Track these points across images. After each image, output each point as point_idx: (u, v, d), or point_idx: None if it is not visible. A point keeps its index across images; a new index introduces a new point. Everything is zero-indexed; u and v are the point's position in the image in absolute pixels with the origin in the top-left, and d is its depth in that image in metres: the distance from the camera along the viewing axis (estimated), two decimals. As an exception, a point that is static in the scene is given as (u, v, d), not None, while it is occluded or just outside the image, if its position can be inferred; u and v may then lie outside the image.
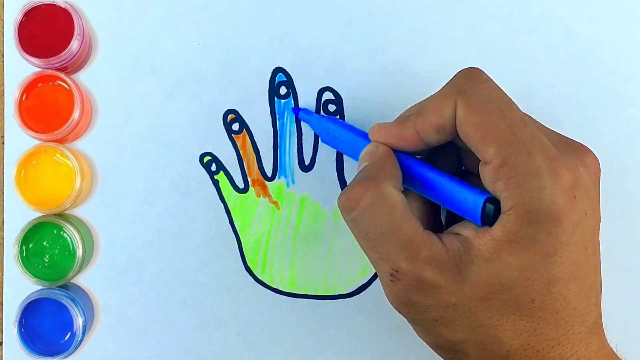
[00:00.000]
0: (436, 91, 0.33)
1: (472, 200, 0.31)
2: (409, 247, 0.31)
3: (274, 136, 0.43)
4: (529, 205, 0.29)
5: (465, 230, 0.31)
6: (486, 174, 0.31)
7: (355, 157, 0.37)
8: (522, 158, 0.30)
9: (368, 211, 0.32)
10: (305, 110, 0.42)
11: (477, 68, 0.33)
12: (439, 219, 0.36)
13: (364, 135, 0.37)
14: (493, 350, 0.31)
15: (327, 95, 0.43)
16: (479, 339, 0.31)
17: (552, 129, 0.43)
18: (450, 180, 0.33)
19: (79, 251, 0.40)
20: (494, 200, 0.31)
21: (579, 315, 0.31)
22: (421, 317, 0.32)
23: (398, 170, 0.34)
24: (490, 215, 0.31)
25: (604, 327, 0.33)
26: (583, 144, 0.33)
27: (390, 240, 0.31)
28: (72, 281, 0.42)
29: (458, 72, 0.33)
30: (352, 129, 0.38)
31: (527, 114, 0.33)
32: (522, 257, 0.30)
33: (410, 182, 0.34)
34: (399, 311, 0.33)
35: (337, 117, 0.43)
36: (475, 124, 0.31)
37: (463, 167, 0.36)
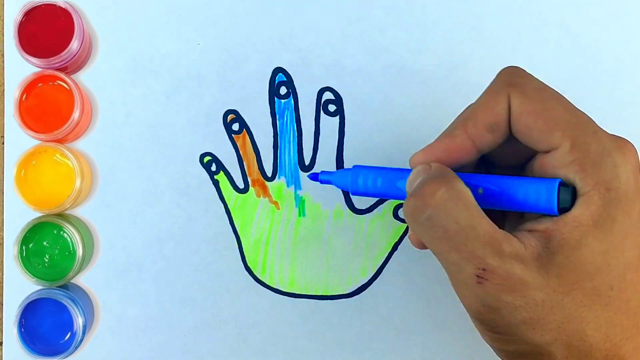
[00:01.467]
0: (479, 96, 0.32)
1: (544, 189, 0.30)
2: (493, 242, 0.29)
3: (274, 136, 0.43)
4: (608, 183, 0.28)
5: (540, 224, 0.30)
6: (555, 160, 0.30)
7: (398, 196, 0.34)
8: (591, 137, 0.29)
9: (446, 205, 0.30)
10: (322, 172, 0.38)
11: (517, 66, 0.32)
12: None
13: (402, 170, 0.34)
14: (578, 347, 0.30)
15: (327, 95, 0.43)
16: (566, 337, 0.30)
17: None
18: (512, 178, 0.31)
19: (79, 251, 0.40)
20: (565, 185, 0.30)
21: None
22: (508, 322, 0.30)
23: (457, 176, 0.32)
24: (568, 199, 0.29)
25: None
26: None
27: (472, 237, 0.29)
28: (72, 281, 0.42)
29: (500, 71, 0.32)
30: (384, 169, 0.35)
31: None
32: (605, 240, 0.29)
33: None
34: (481, 320, 0.31)
35: (337, 117, 0.43)
36: (535, 112, 0.30)
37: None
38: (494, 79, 0.32)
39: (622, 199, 0.29)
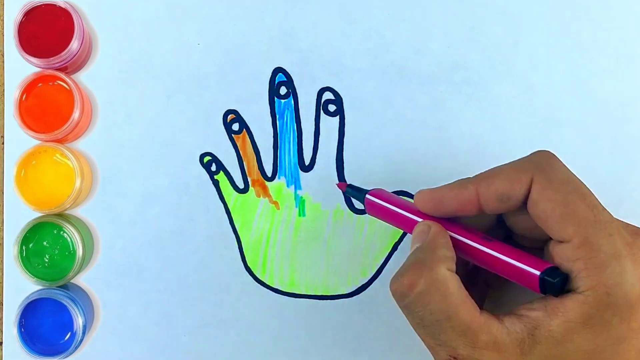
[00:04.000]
0: (505, 163, 0.33)
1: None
2: (467, 332, 0.31)
3: (274, 136, 0.43)
4: (609, 288, 0.29)
5: (533, 312, 0.31)
6: (563, 253, 0.30)
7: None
8: (604, 240, 0.29)
9: (422, 298, 0.31)
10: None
11: (551, 152, 0.33)
12: (496, 299, 0.36)
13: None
14: None
15: (327, 95, 0.43)
16: None
17: (552, 129, 0.43)
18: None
19: (79, 251, 0.40)
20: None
21: None
22: None
23: (451, 251, 0.33)
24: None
25: None
26: None
27: (447, 327, 0.31)
28: (72, 281, 0.42)
29: (534, 152, 0.33)
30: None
31: None
32: (593, 341, 0.29)
33: (461, 253, 0.33)
34: None
35: (337, 117, 0.43)
36: (554, 202, 0.30)
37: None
38: (524, 157, 0.33)
39: (620, 306, 0.29)
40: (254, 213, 0.43)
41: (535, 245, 0.34)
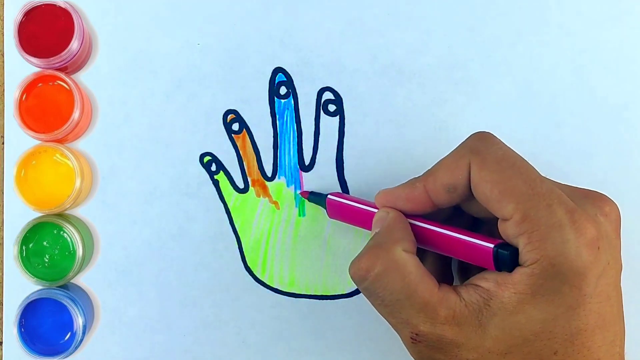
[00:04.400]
0: (446, 155, 0.34)
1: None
2: (426, 309, 0.31)
3: (274, 136, 0.43)
4: (553, 258, 0.29)
5: (485, 282, 0.31)
6: (507, 230, 0.31)
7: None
8: (543, 211, 0.30)
9: (381, 279, 0.32)
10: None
11: (487, 132, 0.33)
12: (462, 268, 0.36)
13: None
14: None
15: (327, 95, 0.43)
16: None
17: (551, 131, 0.43)
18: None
19: (79, 251, 0.40)
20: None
21: None
22: None
23: (409, 233, 0.34)
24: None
25: None
26: (600, 192, 0.33)
27: (406, 305, 0.32)
28: (72, 281, 0.42)
29: (469, 136, 0.33)
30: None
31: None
32: (545, 310, 0.30)
33: (423, 242, 0.34)
34: None
35: (337, 117, 0.43)
36: (491, 182, 0.31)
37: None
38: (461, 144, 0.33)
39: (568, 274, 0.29)
40: (254, 213, 0.43)
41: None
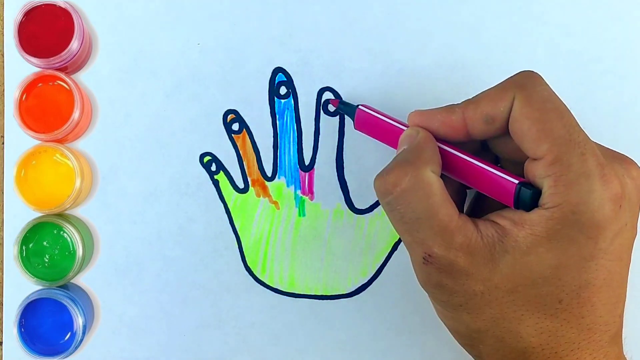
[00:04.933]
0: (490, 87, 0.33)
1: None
2: (444, 233, 0.31)
3: (274, 136, 0.43)
4: (575, 206, 0.29)
5: (503, 219, 0.31)
6: (536, 169, 0.31)
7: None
8: (575, 158, 0.30)
9: (405, 196, 0.32)
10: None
11: (535, 72, 0.33)
12: (476, 204, 0.36)
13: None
14: (510, 344, 0.31)
15: (327, 95, 0.43)
16: (499, 331, 0.31)
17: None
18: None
19: (79, 251, 0.40)
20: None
21: (603, 324, 0.31)
22: (447, 300, 0.32)
23: (437, 156, 0.34)
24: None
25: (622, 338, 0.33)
26: (629, 156, 0.33)
27: (425, 226, 0.32)
28: (72, 281, 0.42)
29: (518, 72, 0.33)
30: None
31: None
32: (558, 257, 0.30)
33: (447, 168, 0.34)
34: (426, 290, 0.34)
35: (338, 117, 0.43)
36: (532, 119, 0.31)
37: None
38: (508, 78, 0.33)
39: (587, 224, 0.29)
40: (254, 213, 0.43)
41: (519, 172, 0.35)
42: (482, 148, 0.37)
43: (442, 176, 0.34)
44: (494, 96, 0.33)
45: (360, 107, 0.40)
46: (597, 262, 0.30)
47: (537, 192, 0.31)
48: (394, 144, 0.37)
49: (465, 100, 0.34)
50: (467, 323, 0.32)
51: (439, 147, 0.34)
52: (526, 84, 0.32)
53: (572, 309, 0.30)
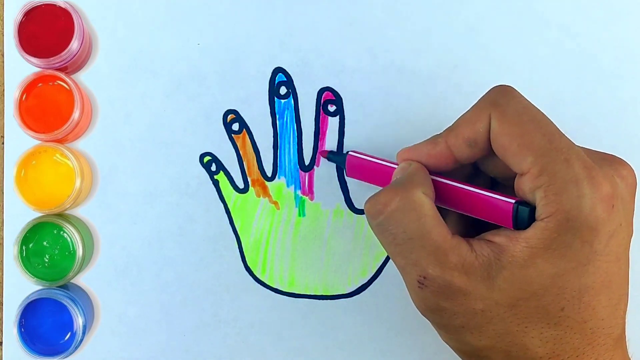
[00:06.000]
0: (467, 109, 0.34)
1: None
2: (438, 253, 0.31)
3: (274, 136, 0.43)
4: (568, 212, 0.29)
5: (497, 237, 0.31)
6: (524, 184, 0.31)
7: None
8: (560, 166, 0.30)
9: (396, 215, 0.32)
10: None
11: (508, 85, 0.33)
12: (469, 228, 0.36)
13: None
14: (518, 357, 0.31)
15: (327, 95, 0.43)
16: (505, 346, 0.31)
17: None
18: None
19: (79, 251, 0.40)
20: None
21: (606, 327, 0.31)
22: (448, 323, 0.32)
23: (429, 181, 0.34)
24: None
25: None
26: (618, 156, 0.33)
27: (418, 246, 0.31)
28: (72, 281, 0.42)
29: (490, 89, 0.33)
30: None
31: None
32: (556, 265, 0.30)
33: (442, 199, 0.34)
34: (425, 316, 0.33)
35: (337, 117, 0.43)
36: (510, 135, 0.31)
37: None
38: (482, 97, 0.33)
39: (581, 229, 0.29)
40: (254, 213, 0.43)
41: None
42: (476, 173, 0.37)
43: (440, 210, 0.34)
44: (470, 119, 0.33)
45: (350, 153, 0.40)
46: (594, 265, 0.30)
47: (534, 209, 0.31)
48: (388, 183, 0.37)
49: (446, 129, 0.34)
50: (472, 343, 0.32)
51: (433, 179, 0.34)
52: (499, 100, 0.32)
53: (575, 315, 0.30)
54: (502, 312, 0.31)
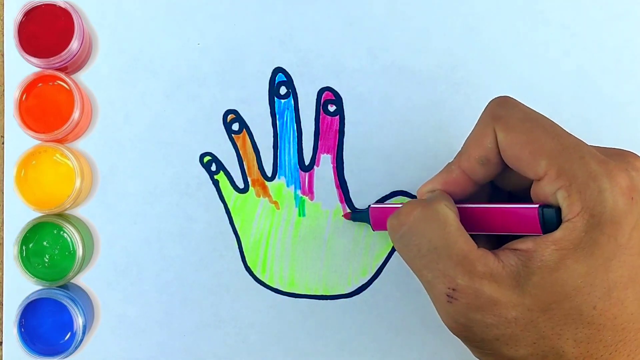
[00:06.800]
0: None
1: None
2: (465, 262, 0.30)
3: (274, 136, 0.43)
4: (592, 209, 0.29)
5: (523, 244, 0.31)
6: (543, 188, 0.31)
7: None
8: (576, 164, 0.30)
9: (419, 226, 0.32)
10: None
11: (506, 95, 0.33)
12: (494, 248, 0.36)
13: None
14: None
15: (327, 96, 0.43)
16: (541, 352, 0.31)
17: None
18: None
19: (79, 251, 0.40)
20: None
21: (636, 321, 0.30)
22: (481, 338, 0.31)
23: (451, 201, 0.34)
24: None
25: None
26: (629, 150, 0.33)
27: (444, 256, 0.31)
28: (72, 281, 0.42)
29: (488, 103, 0.33)
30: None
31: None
32: (586, 263, 0.29)
33: (469, 225, 0.34)
34: (457, 335, 0.32)
35: (337, 117, 0.43)
36: (520, 144, 0.31)
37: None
38: (483, 112, 0.33)
39: (606, 223, 0.29)
40: (254, 213, 0.43)
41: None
42: (494, 194, 0.36)
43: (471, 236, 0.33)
44: (477, 137, 0.33)
45: (371, 206, 0.40)
46: (620, 259, 0.30)
47: (559, 210, 0.30)
48: None
49: (457, 155, 0.34)
50: (508, 354, 0.31)
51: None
52: (499, 112, 0.32)
53: (606, 312, 0.30)
54: (535, 317, 0.30)
